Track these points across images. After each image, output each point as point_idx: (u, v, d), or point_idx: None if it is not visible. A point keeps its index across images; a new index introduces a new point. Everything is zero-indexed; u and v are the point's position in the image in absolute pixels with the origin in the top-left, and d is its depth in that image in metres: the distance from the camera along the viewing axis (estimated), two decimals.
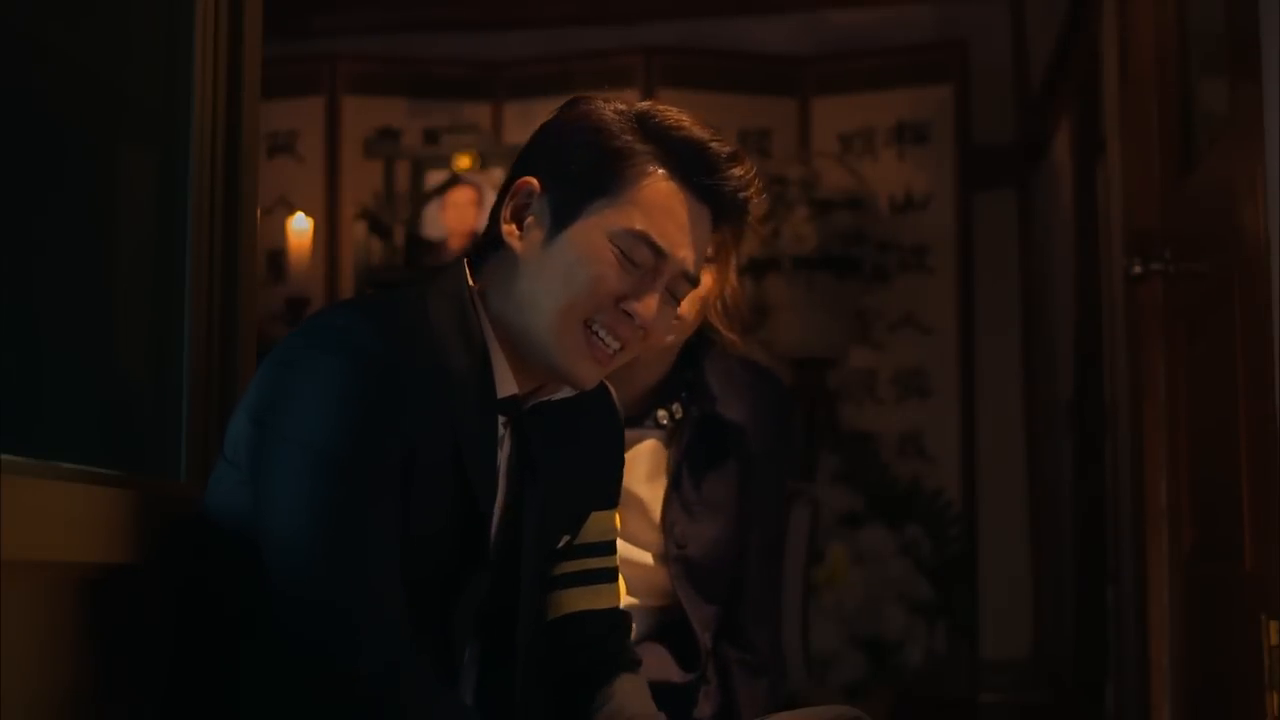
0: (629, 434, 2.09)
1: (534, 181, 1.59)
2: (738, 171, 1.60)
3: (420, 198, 5.63)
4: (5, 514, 1.34)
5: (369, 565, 1.46)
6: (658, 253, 1.57)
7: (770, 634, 2.23)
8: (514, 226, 1.59)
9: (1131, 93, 3.02)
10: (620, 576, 1.84)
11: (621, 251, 1.55)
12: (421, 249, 5.52)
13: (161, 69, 2.00)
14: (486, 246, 1.64)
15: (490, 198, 5.42)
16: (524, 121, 6.00)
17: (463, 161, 5.68)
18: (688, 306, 2.04)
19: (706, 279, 2.06)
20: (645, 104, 1.63)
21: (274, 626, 1.47)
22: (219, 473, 1.59)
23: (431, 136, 6.05)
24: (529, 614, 1.67)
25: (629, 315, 1.57)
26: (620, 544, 2.08)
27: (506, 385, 1.60)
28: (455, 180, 5.57)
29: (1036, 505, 5.91)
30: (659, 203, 1.57)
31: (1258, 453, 2.13)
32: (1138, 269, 2.77)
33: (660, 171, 1.57)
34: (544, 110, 1.68)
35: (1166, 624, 2.76)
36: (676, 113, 1.61)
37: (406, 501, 1.51)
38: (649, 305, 1.57)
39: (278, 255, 6.06)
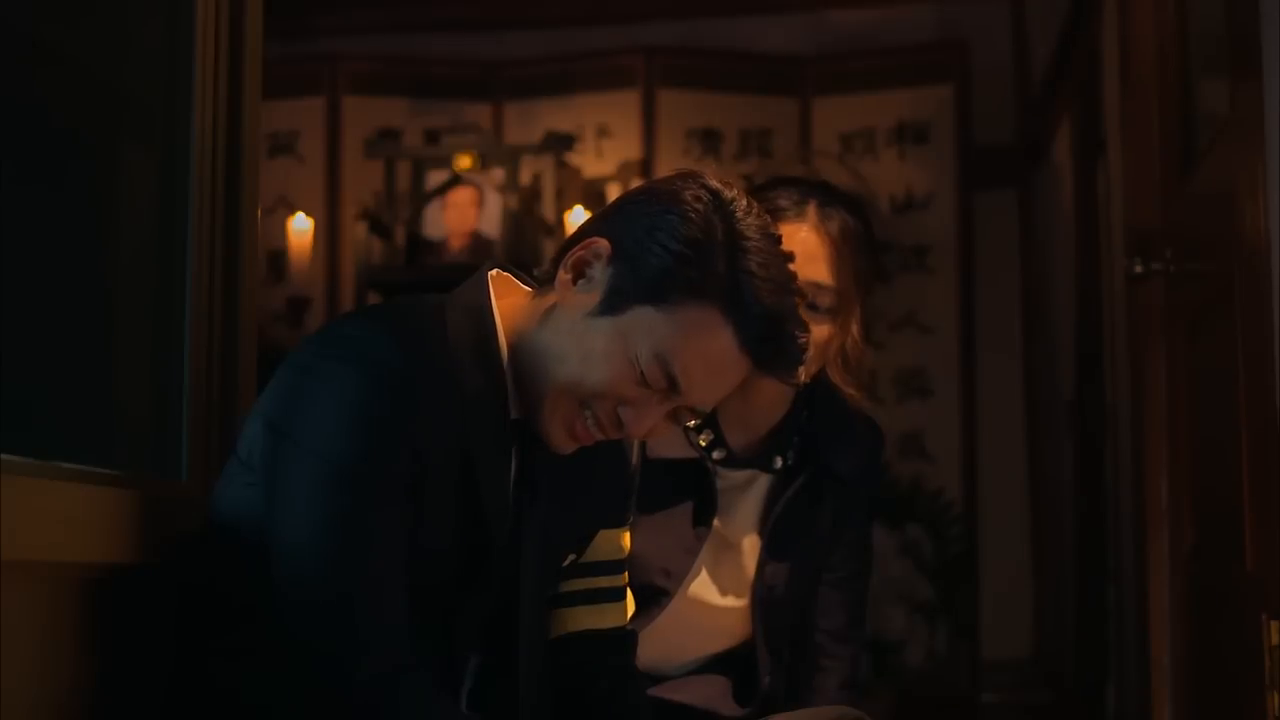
0: (743, 475, 2.08)
1: (606, 246, 1.56)
2: (794, 349, 1.57)
3: (421, 198, 5.63)
4: (5, 514, 1.34)
5: (374, 572, 1.47)
6: (673, 385, 1.54)
7: (859, 653, 2.22)
8: (570, 277, 1.57)
9: (1132, 93, 3.02)
10: (629, 595, 1.82)
11: (641, 371, 1.53)
12: (422, 249, 5.52)
13: (161, 69, 1.99)
14: (543, 275, 1.63)
15: (491, 197, 5.42)
16: (524, 121, 6.01)
17: (463, 161, 5.67)
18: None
19: (825, 330, 2.00)
20: (749, 223, 1.56)
21: (277, 628, 1.47)
22: (230, 470, 1.59)
23: (432, 136, 6.05)
24: (530, 631, 1.67)
25: (620, 422, 1.56)
26: (711, 585, 2.07)
27: (519, 406, 1.60)
28: (456, 180, 5.56)
29: (1036, 505, 5.91)
30: (701, 346, 1.53)
31: (1258, 453, 2.13)
32: (1138, 269, 2.77)
33: (718, 314, 1.53)
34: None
35: (1166, 624, 2.76)
36: (771, 258, 1.55)
37: (415, 514, 1.51)
38: (642, 422, 1.56)
39: (278, 255, 6.07)
